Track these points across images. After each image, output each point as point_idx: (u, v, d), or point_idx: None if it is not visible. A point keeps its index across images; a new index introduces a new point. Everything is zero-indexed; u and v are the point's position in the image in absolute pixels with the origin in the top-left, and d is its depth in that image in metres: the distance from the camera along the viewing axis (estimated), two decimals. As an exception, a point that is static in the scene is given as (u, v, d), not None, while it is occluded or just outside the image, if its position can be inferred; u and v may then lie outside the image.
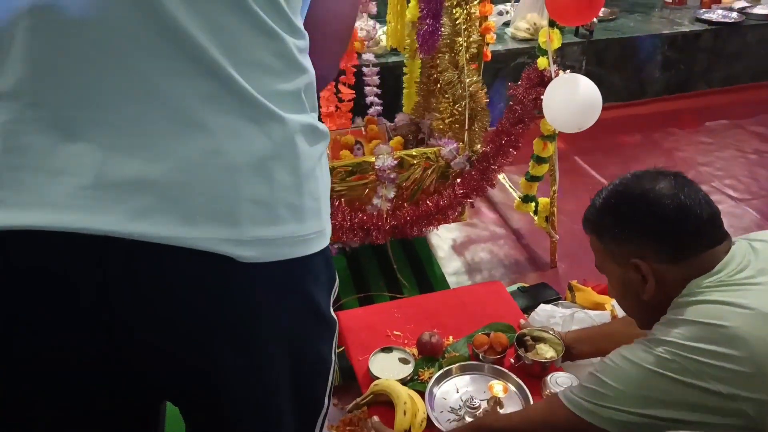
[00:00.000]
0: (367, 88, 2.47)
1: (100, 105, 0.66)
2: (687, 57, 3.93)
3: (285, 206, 0.73)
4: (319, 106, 2.41)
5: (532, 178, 2.39)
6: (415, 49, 2.36)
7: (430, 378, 1.57)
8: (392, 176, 2.12)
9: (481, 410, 1.45)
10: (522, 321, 1.76)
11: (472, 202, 2.31)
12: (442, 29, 2.14)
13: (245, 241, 0.70)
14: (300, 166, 0.75)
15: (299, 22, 0.77)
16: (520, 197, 2.50)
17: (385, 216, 2.14)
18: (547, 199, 2.41)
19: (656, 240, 1.12)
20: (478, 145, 2.23)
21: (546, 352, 1.59)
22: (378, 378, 1.57)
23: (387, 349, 1.68)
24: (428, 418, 1.47)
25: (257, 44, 0.71)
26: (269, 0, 0.72)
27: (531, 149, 2.33)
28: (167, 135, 0.67)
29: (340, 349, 2.02)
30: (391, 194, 2.14)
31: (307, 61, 0.78)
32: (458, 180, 2.22)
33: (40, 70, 0.66)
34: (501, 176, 2.86)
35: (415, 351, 1.68)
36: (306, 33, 0.79)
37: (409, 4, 2.36)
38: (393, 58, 3.17)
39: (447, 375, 1.58)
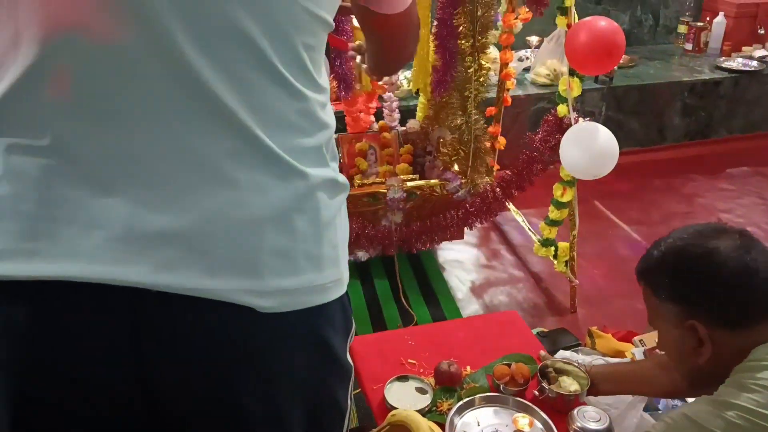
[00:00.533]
0: (385, 114, 2.72)
1: (131, 161, 0.69)
2: (707, 104, 3.95)
3: (304, 256, 0.76)
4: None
5: (552, 223, 2.40)
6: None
7: (449, 409, 1.51)
8: (401, 206, 2.33)
9: None
10: (542, 353, 1.70)
11: (471, 226, 2.51)
12: (455, 75, 2.27)
13: (266, 291, 0.73)
14: (320, 217, 0.77)
15: (321, 79, 0.80)
16: (539, 241, 2.51)
17: (394, 233, 2.39)
18: (567, 244, 2.42)
19: (718, 304, 1.05)
20: (486, 180, 2.42)
21: (570, 385, 1.53)
22: (395, 408, 1.50)
23: (403, 378, 1.63)
24: None
25: (282, 104, 0.74)
26: (294, 60, 0.74)
27: (550, 192, 2.36)
28: (194, 189, 0.70)
29: (356, 391, 2.04)
30: (399, 219, 2.36)
31: (327, 116, 0.81)
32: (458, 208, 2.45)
33: (77, 126, 0.69)
34: (520, 219, 2.88)
35: (431, 380, 1.62)
36: (327, 86, 0.82)
37: (431, 50, 2.43)
38: (413, 101, 3.23)
39: (468, 406, 1.52)
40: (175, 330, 0.72)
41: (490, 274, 2.75)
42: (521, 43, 3.75)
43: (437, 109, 2.58)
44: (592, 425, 1.42)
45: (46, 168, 0.69)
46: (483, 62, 2.15)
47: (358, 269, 2.61)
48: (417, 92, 2.85)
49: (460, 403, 1.51)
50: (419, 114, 2.81)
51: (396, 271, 2.57)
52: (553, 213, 2.37)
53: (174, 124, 0.69)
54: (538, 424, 1.48)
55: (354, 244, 2.34)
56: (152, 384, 0.75)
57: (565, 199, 2.30)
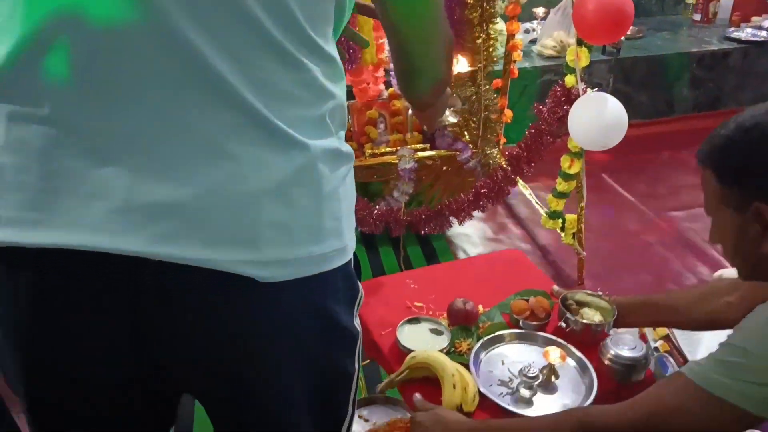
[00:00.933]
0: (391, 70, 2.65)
1: (130, 134, 0.69)
2: (716, 75, 3.91)
3: (304, 228, 0.76)
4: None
5: (560, 195, 2.39)
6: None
7: (469, 349, 1.40)
8: (412, 176, 2.33)
9: (539, 380, 1.28)
10: (555, 288, 1.59)
11: (483, 208, 2.49)
12: (464, 46, 2.23)
13: (264, 262, 0.74)
14: (321, 189, 0.77)
15: (327, 45, 0.79)
16: (546, 213, 2.50)
17: (402, 212, 2.37)
18: (575, 216, 2.41)
19: None
20: (495, 152, 2.43)
21: (593, 316, 1.44)
22: (411, 351, 1.38)
23: (414, 320, 1.50)
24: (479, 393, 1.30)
25: (282, 76, 0.73)
26: (294, 30, 0.73)
27: (557, 165, 2.34)
28: (193, 162, 0.70)
29: (366, 362, 2.05)
30: (410, 189, 2.35)
31: (333, 85, 0.80)
32: (471, 189, 2.43)
33: (77, 99, 0.69)
34: (527, 192, 2.87)
35: (444, 321, 1.51)
36: (335, 55, 0.80)
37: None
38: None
39: (491, 344, 1.42)
40: (174, 298, 0.73)
41: (497, 248, 2.74)
42: (527, 15, 3.71)
43: None
44: (628, 353, 1.32)
45: (47, 138, 0.70)
46: (491, 32, 2.12)
47: (364, 239, 2.63)
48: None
49: (483, 340, 1.42)
50: None
51: (401, 246, 2.58)
52: (561, 185, 2.35)
53: (173, 98, 0.69)
54: (570, 356, 1.38)
55: (360, 222, 2.34)
56: (153, 345, 0.77)
57: (572, 171, 2.29)
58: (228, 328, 0.76)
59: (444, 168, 2.42)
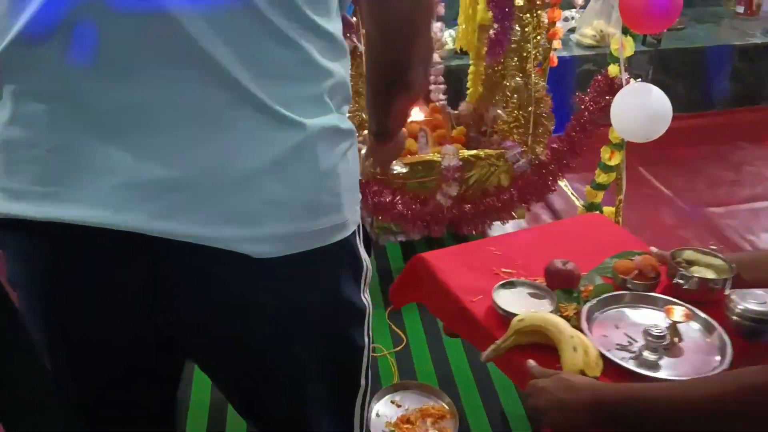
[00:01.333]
0: (432, 86, 2.53)
1: (134, 111, 0.72)
2: (758, 69, 3.81)
3: (301, 205, 0.78)
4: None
5: (598, 186, 2.36)
6: (483, 52, 2.38)
7: (576, 313, 1.27)
8: (456, 175, 2.18)
9: (666, 341, 1.17)
10: (653, 249, 1.45)
11: (528, 207, 2.36)
12: (511, 35, 2.15)
13: (259, 238, 0.76)
14: (318, 166, 0.79)
15: (326, 21, 0.78)
16: (584, 205, 2.47)
17: (444, 211, 2.21)
18: (612, 209, 2.37)
19: None
20: (541, 149, 2.26)
21: (706, 274, 1.32)
22: (514, 315, 1.24)
23: (509, 284, 1.37)
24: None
25: (276, 55, 0.74)
26: (286, 8, 0.74)
27: (595, 157, 2.30)
28: (193, 141, 0.73)
29: (400, 348, 2.05)
30: (455, 192, 2.21)
31: (331, 62, 0.80)
32: (518, 182, 2.28)
33: (83, 77, 0.71)
34: (563, 184, 2.83)
35: (543, 284, 1.39)
36: (332, 31, 0.80)
37: (479, 7, 2.37)
38: (456, 62, 3.18)
39: (599, 308, 1.30)
40: (175, 273, 0.78)
41: (531, 239, 2.71)
42: (566, 3, 3.64)
43: (491, 86, 2.43)
44: (757, 307, 1.21)
45: (55, 114, 0.72)
46: (543, 18, 2.04)
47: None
48: (461, 50, 2.79)
49: (590, 303, 1.29)
50: (470, 97, 2.65)
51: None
52: (600, 177, 2.32)
53: (171, 78, 0.72)
54: (695, 315, 1.26)
55: (400, 223, 2.23)
56: (160, 313, 0.80)
57: (612, 163, 2.25)
58: (225, 303, 0.80)
59: (491, 168, 2.24)
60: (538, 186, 2.24)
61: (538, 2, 2.05)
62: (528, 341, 1.20)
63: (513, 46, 2.17)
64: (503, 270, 1.47)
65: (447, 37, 3.10)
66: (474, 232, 2.35)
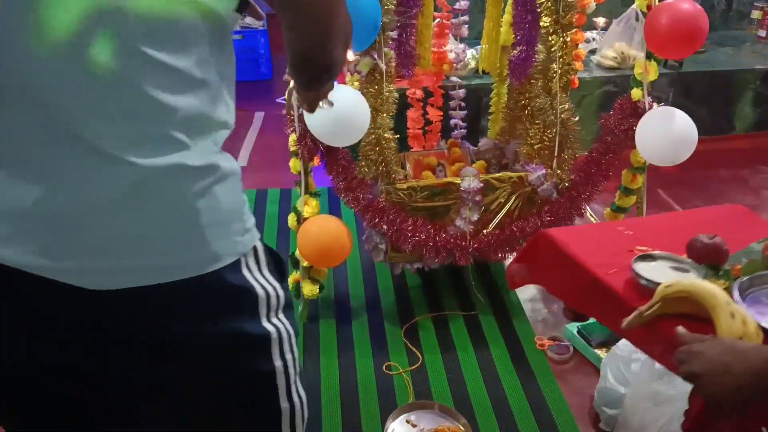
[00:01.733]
0: (452, 111, 2.51)
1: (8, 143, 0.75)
2: (780, 93, 3.80)
3: (150, 239, 0.79)
4: (405, 125, 2.50)
5: (619, 209, 2.35)
6: (506, 74, 2.37)
7: (726, 289, 1.16)
8: (477, 198, 2.13)
9: None
10: None
11: None
12: (536, 56, 2.15)
13: (88, 270, 0.78)
14: (162, 203, 0.78)
15: (176, 58, 0.75)
16: (603, 228, 2.46)
17: (468, 238, 2.16)
18: (632, 232, 2.36)
19: None
20: (565, 172, 2.22)
21: None
22: (658, 284, 1.16)
23: (647, 257, 1.30)
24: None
25: (109, 96, 0.74)
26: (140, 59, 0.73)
27: (614, 179, 2.30)
28: (32, 176, 0.75)
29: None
30: (475, 217, 2.16)
31: (180, 97, 0.76)
32: (545, 207, 2.22)
33: None
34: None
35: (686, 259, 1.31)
36: (187, 66, 0.76)
37: (502, 29, 2.38)
38: (476, 81, 3.19)
39: (751, 285, 1.20)
40: (19, 303, 0.80)
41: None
42: (587, 25, 3.66)
43: (512, 119, 2.42)
44: None
45: None
46: (568, 39, 2.04)
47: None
48: (483, 72, 2.80)
49: (742, 279, 1.20)
50: (491, 130, 2.62)
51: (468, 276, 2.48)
52: (621, 199, 2.32)
53: (11, 117, 0.73)
54: None
55: (424, 250, 2.15)
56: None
57: (634, 186, 2.25)
58: (62, 333, 0.82)
59: (513, 192, 2.19)
60: (567, 210, 2.18)
61: (564, 23, 2.04)
62: (674, 311, 1.12)
63: (538, 67, 2.16)
64: (638, 248, 1.39)
65: (470, 57, 3.12)
66: (493, 260, 2.31)
